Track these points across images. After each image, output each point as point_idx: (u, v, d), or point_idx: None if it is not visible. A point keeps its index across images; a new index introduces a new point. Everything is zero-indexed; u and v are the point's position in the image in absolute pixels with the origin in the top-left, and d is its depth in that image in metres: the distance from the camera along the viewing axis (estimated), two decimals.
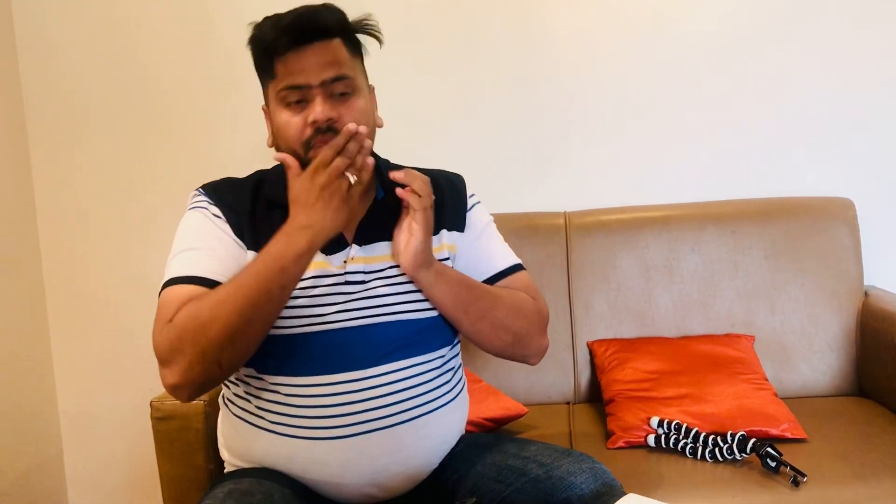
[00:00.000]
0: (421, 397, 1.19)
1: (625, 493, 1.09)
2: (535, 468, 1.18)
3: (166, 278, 1.15)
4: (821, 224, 1.95)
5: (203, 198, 1.23)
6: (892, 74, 2.05)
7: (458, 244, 1.29)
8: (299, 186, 1.08)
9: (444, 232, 1.28)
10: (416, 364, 1.20)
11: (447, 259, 1.27)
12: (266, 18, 1.17)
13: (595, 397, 1.91)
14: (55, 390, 2.26)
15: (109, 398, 2.24)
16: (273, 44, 1.14)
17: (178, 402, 1.43)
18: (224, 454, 1.29)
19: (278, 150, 1.19)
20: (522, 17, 2.09)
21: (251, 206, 1.22)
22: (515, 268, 1.33)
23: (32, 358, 2.19)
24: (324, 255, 1.18)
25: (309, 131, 1.15)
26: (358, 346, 1.16)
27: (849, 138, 2.07)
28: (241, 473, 1.19)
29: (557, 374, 1.93)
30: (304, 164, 1.13)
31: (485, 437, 1.34)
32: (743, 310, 1.92)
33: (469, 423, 1.36)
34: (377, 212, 1.24)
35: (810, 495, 1.40)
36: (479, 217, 1.34)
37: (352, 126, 1.08)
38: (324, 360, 1.15)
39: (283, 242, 1.07)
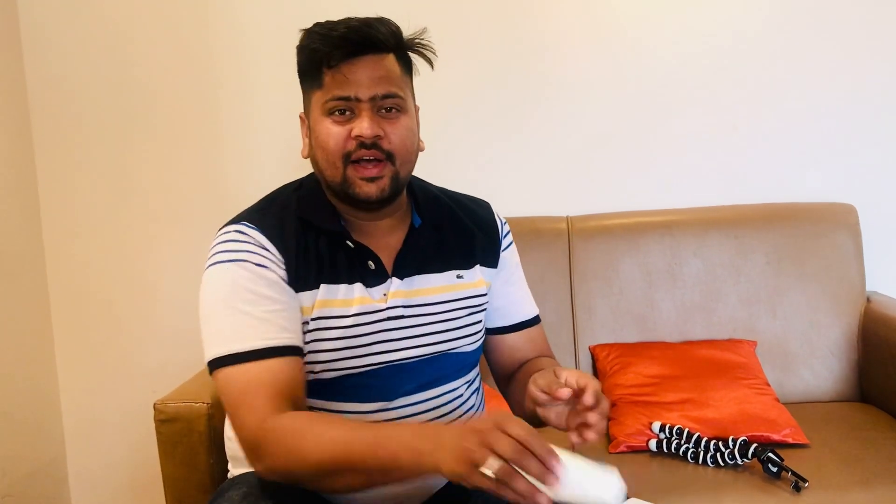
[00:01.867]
0: (451, 417, 1.19)
1: (627, 498, 1.09)
2: None
3: (222, 351, 1.04)
4: (823, 229, 1.95)
5: (242, 243, 1.10)
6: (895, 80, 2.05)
7: (491, 281, 1.25)
8: (477, 423, 0.87)
9: (478, 268, 1.23)
10: (448, 391, 1.18)
11: (483, 295, 1.23)
12: (317, 25, 1.11)
13: None
14: (58, 392, 2.26)
15: (112, 400, 2.24)
16: (324, 54, 1.08)
17: (181, 403, 1.44)
18: (231, 465, 1.27)
19: (314, 161, 1.14)
20: (525, 21, 2.10)
21: (301, 236, 1.12)
22: (537, 319, 1.32)
23: (36, 359, 2.19)
24: (365, 286, 1.13)
25: (352, 144, 1.09)
26: (393, 379, 1.13)
27: (851, 144, 2.07)
28: (251, 477, 1.17)
29: None
30: (342, 179, 1.10)
31: None
32: (745, 315, 1.92)
33: None
34: (415, 242, 1.18)
35: (811, 500, 1.40)
36: (511, 258, 1.30)
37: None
38: (357, 391, 1.12)
39: (414, 436, 0.92)
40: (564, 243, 1.98)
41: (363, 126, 1.08)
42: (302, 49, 1.12)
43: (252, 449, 1.02)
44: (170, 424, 1.45)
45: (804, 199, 2.04)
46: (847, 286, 1.92)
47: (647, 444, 1.61)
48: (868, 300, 1.94)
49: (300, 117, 1.19)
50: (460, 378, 1.20)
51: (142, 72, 2.16)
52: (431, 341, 1.15)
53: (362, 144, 1.09)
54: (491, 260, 1.26)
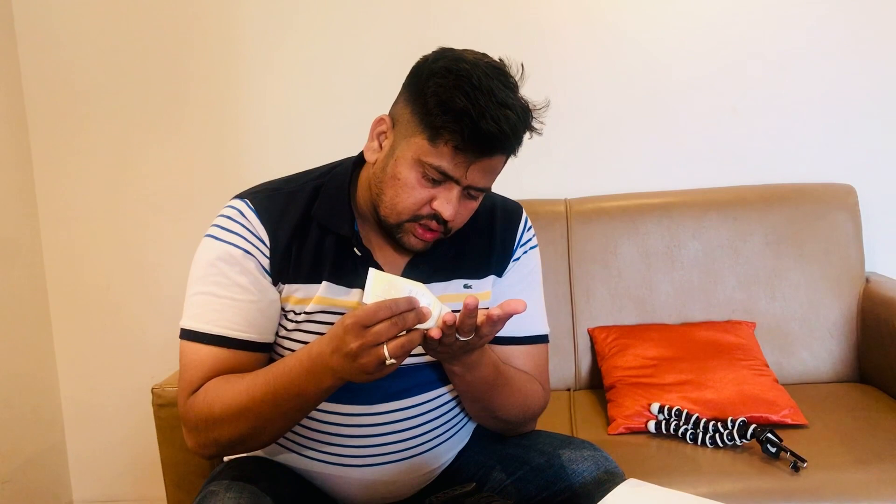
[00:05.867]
0: (440, 428, 1.19)
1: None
2: (536, 456, 1.18)
3: (188, 324, 1.08)
4: (822, 210, 1.94)
5: (237, 224, 1.10)
6: (894, 60, 2.03)
7: (492, 289, 1.21)
8: (345, 346, 0.92)
9: (491, 277, 1.20)
10: (433, 398, 1.17)
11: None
12: (469, 88, 1.01)
13: (596, 384, 1.92)
14: (57, 377, 2.26)
15: (111, 385, 2.25)
16: (461, 142, 1.00)
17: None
18: None
19: (377, 183, 1.08)
20: (523, 5, 2.08)
21: (301, 227, 1.11)
22: (541, 339, 1.24)
23: (34, 345, 2.19)
24: (342, 286, 1.11)
25: (427, 210, 1.05)
26: (377, 386, 1.09)
27: (850, 124, 2.06)
28: (244, 460, 1.19)
29: (558, 361, 1.93)
30: (396, 225, 1.07)
31: None
32: (743, 296, 1.92)
33: None
34: (430, 250, 1.14)
35: (810, 480, 1.41)
36: (521, 269, 1.23)
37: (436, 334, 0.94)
38: (339, 392, 1.07)
39: (307, 373, 0.98)
40: (563, 226, 1.98)
41: (447, 209, 1.04)
42: (440, 104, 1.00)
43: (183, 425, 1.09)
44: (168, 409, 1.45)
45: (803, 180, 2.03)
46: (846, 267, 1.92)
47: (646, 426, 1.61)
48: (867, 281, 1.93)
49: (381, 118, 1.10)
50: (446, 385, 1.19)
51: (138, 58, 2.15)
52: (419, 350, 1.10)
53: (435, 218, 1.06)
54: (500, 269, 1.22)
